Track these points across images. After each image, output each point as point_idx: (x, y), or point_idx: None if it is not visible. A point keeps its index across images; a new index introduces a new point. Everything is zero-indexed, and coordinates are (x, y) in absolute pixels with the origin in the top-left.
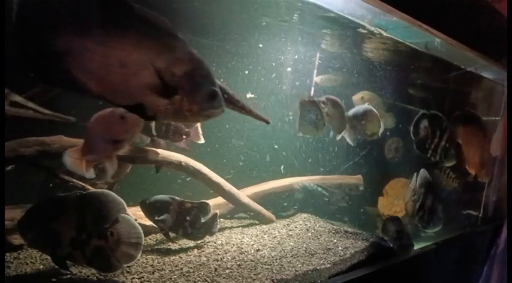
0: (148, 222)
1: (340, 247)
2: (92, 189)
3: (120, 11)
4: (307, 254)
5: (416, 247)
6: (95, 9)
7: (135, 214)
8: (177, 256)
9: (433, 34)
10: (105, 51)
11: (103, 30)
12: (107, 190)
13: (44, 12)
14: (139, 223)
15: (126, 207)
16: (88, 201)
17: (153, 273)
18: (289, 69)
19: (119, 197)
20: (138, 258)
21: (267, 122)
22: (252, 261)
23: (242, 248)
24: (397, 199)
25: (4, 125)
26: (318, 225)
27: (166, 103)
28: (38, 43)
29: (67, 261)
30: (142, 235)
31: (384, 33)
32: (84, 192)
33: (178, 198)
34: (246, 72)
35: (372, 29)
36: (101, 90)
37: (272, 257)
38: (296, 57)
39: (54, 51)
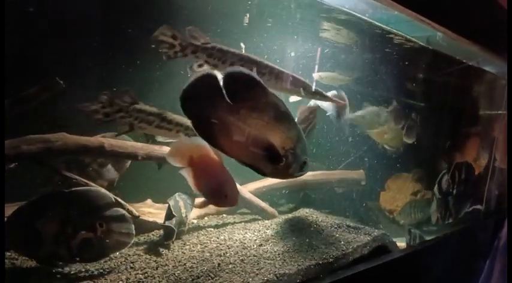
0: (151, 218)
1: (342, 242)
2: (93, 185)
3: (262, 99)
4: (310, 249)
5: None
6: (241, 94)
7: (139, 211)
8: (180, 252)
9: (434, 28)
10: (244, 128)
11: (246, 112)
12: (93, 187)
13: (206, 94)
14: (142, 219)
15: (114, 202)
16: (74, 197)
17: (156, 269)
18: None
19: (106, 192)
20: (131, 243)
21: (341, 103)
22: (254, 256)
23: (245, 243)
24: (399, 193)
25: (4, 124)
26: (320, 220)
27: (272, 168)
28: (201, 113)
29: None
30: (133, 227)
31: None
32: (70, 190)
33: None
34: None
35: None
36: (232, 153)
37: (275, 252)
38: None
39: (209, 120)
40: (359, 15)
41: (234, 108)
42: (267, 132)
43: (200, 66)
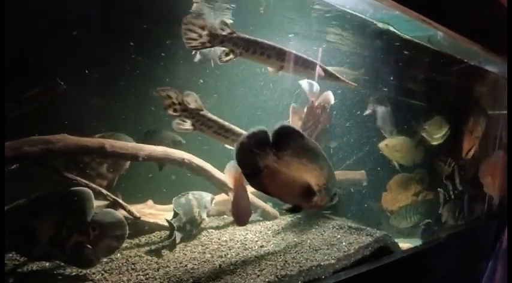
0: (153, 220)
1: (344, 243)
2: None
3: (302, 146)
4: (311, 250)
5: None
6: (285, 145)
7: (140, 212)
8: (182, 253)
9: (435, 28)
10: (287, 173)
11: (289, 159)
12: (84, 188)
13: (257, 147)
14: (143, 221)
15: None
16: (67, 198)
17: (158, 270)
18: None
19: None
20: (120, 247)
21: (354, 86)
22: (256, 257)
23: (246, 245)
24: (401, 194)
25: (4, 125)
26: (321, 221)
27: (309, 203)
28: (250, 162)
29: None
30: (126, 226)
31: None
32: (63, 191)
33: None
34: None
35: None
36: (277, 194)
37: (276, 253)
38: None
39: (257, 168)
40: (360, 15)
41: (279, 157)
42: (306, 174)
43: (227, 55)
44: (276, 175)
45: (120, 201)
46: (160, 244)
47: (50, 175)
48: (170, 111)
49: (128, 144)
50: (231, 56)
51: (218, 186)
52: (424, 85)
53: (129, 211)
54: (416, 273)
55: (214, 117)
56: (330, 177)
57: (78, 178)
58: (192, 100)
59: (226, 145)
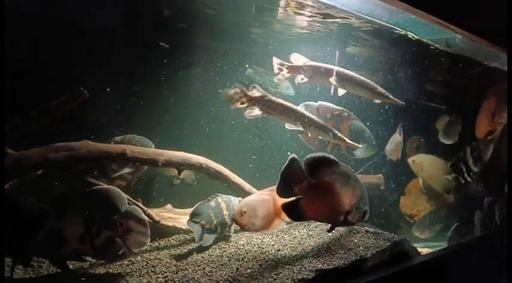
0: (171, 223)
1: (361, 247)
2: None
3: (335, 172)
4: (328, 254)
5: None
6: (319, 172)
7: (159, 215)
8: (200, 256)
9: (452, 31)
10: (322, 198)
11: (324, 185)
12: (110, 186)
13: (292, 175)
14: (162, 224)
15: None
16: (95, 196)
17: (176, 273)
18: None
19: (121, 192)
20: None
21: (402, 104)
22: (273, 261)
23: (263, 248)
24: (420, 198)
25: (4, 125)
26: None
27: (343, 221)
28: (287, 191)
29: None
30: (148, 224)
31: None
32: (90, 189)
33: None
34: None
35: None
36: (313, 218)
37: (293, 257)
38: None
39: (295, 194)
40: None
41: (315, 185)
42: (339, 196)
43: (302, 79)
44: (311, 201)
45: (140, 204)
46: (179, 247)
47: (70, 179)
48: (238, 105)
49: (149, 150)
50: (305, 80)
51: (235, 191)
52: (442, 87)
53: (148, 215)
54: (434, 279)
55: (279, 100)
56: (362, 196)
57: (101, 183)
58: (257, 90)
59: (287, 125)
